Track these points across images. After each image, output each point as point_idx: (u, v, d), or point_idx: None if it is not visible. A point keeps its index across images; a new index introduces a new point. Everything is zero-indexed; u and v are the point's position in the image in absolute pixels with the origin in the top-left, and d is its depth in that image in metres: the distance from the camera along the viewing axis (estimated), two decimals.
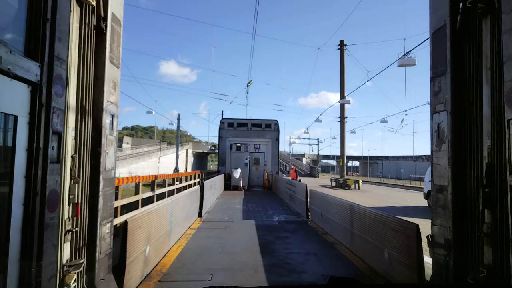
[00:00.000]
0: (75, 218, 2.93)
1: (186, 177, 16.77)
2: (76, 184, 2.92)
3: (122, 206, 8.11)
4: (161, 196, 11.06)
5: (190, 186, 15.93)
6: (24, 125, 2.31)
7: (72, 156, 2.92)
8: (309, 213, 9.76)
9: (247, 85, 25.61)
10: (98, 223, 3.28)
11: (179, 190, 13.59)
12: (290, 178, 26.55)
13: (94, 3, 3.15)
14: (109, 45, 3.41)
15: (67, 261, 2.86)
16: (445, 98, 3.59)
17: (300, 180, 28.24)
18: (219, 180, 16.79)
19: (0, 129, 2.20)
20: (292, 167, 31.92)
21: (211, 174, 25.48)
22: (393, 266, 4.21)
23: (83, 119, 3.11)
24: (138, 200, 8.98)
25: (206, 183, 11.41)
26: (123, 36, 3.83)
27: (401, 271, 3.96)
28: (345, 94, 29.11)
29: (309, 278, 4.55)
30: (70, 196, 2.88)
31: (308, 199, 9.99)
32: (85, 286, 3.12)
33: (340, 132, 30.70)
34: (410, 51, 16.56)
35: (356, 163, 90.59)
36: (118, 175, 6.38)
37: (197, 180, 18.80)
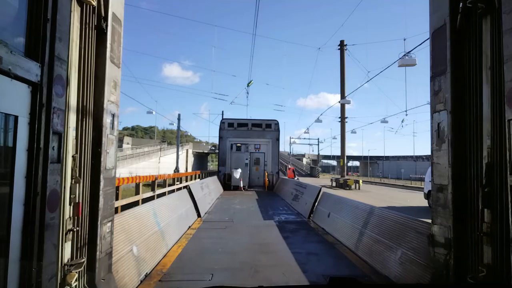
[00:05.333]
0: (76, 217, 2.93)
1: (187, 177, 16.79)
2: (77, 184, 2.92)
3: (123, 206, 8.13)
4: (161, 196, 11.07)
5: None
6: (24, 125, 2.32)
7: (73, 156, 2.92)
8: (311, 214, 9.75)
9: (248, 85, 25.70)
10: (99, 222, 3.28)
11: (179, 190, 13.61)
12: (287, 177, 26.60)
13: (94, 3, 3.15)
14: (109, 44, 3.41)
15: (68, 260, 2.87)
16: (445, 98, 3.59)
17: (298, 179, 28.29)
18: (212, 181, 16.65)
19: (0, 129, 2.21)
20: (290, 167, 31.96)
21: (212, 174, 25.48)
22: (404, 266, 4.25)
23: (84, 119, 3.12)
24: (138, 200, 9.00)
25: (194, 185, 11.20)
26: (124, 36, 3.84)
27: (414, 271, 4.02)
28: (345, 94, 29.09)
29: (309, 278, 4.55)
30: (71, 196, 2.88)
31: (317, 200, 9.99)
32: (85, 285, 3.12)
33: (340, 132, 30.69)
34: (410, 51, 16.53)
35: (357, 163, 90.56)
36: (118, 175, 6.37)
37: (198, 180, 18.81)
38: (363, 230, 5.91)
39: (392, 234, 4.86)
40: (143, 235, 4.85)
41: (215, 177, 19.07)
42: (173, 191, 12.96)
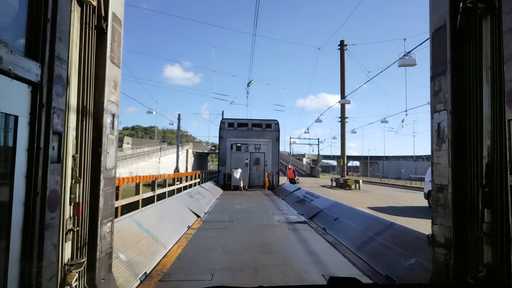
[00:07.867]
0: (76, 217, 2.93)
1: (187, 177, 16.77)
2: (77, 184, 2.92)
3: (123, 206, 8.13)
4: (161, 196, 11.07)
5: (190, 186, 15.96)
6: (24, 125, 2.32)
7: (73, 156, 2.92)
8: (313, 216, 9.72)
9: (248, 85, 25.69)
10: (99, 222, 3.28)
11: (179, 190, 13.62)
12: (287, 177, 26.50)
13: (94, 3, 3.16)
14: (109, 44, 3.42)
15: (68, 260, 2.87)
16: (445, 97, 3.60)
17: (298, 179, 28.20)
18: (208, 186, 16.92)
19: (0, 129, 2.21)
20: (290, 167, 31.90)
21: (212, 174, 25.49)
22: (414, 271, 4.33)
23: (84, 119, 3.12)
24: (138, 200, 9.00)
25: (181, 194, 11.35)
26: (124, 36, 3.84)
27: (422, 274, 4.09)
28: (345, 94, 29.09)
29: (309, 278, 4.55)
30: (72, 196, 2.88)
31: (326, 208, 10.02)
32: (85, 285, 3.13)
33: (340, 132, 30.70)
34: (410, 51, 16.52)
35: (357, 163, 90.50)
36: (118, 175, 6.36)
37: (198, 180, 18.80)
38: (375, 237, 5.94)
39: (409, 245, 4.92)
40: (130, 242, 4.88)
41: (209, 183, 19.31)
42: (173, 191, 12.97)
